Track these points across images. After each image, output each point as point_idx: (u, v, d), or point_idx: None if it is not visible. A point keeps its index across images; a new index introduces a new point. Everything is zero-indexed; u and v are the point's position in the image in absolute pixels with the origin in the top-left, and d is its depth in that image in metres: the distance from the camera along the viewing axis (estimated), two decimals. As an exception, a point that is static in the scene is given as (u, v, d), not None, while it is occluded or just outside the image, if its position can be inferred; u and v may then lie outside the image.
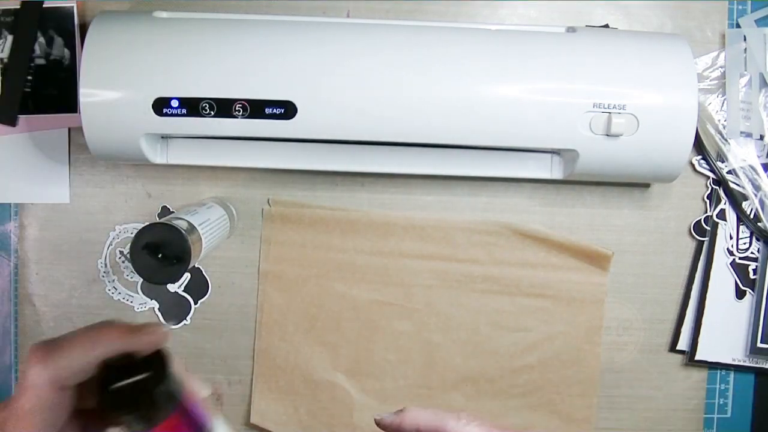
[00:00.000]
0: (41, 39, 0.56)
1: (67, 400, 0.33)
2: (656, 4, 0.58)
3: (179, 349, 0.59)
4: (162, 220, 0.47)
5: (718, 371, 0.60)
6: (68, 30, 0.56)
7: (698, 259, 0.59)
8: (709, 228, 0.58)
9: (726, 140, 0.57)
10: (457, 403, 0.40)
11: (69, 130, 0.58)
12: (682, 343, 0.59)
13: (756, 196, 0.57)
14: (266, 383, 0.59)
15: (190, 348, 0.59)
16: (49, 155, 0.58)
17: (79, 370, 0.33)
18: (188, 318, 0.59)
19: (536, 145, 0.51)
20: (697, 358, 0.59)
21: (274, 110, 0.49)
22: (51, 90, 0.56)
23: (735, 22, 0.58)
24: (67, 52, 0.56)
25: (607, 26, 0.57)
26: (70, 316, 0.59)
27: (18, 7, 0.56)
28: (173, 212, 0.58)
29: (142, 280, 0.58)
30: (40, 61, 0.56)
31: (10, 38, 0.56)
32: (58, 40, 0.56)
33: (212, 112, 0.49)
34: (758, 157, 0.57)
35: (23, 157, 0.57)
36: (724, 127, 0.57)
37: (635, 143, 0.50)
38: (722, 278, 0.58)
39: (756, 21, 0.57)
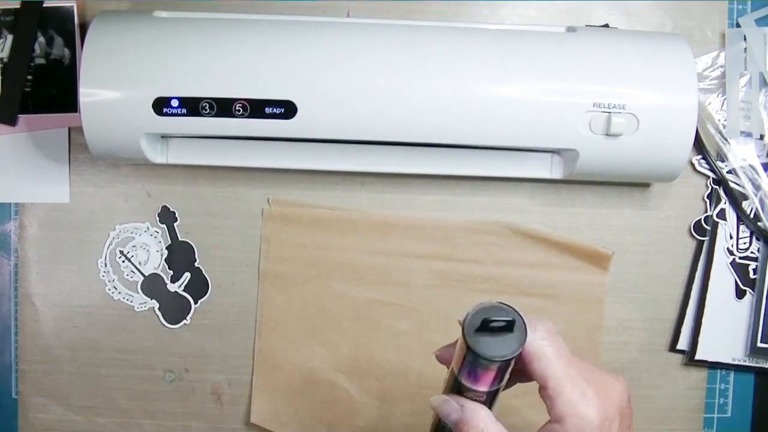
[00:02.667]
0: (41, 39, 0.56)
1: None
2: (656, 4, 0.58)
3: (179, 349, 0.59)
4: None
5: (718, 371, 0.60)
6: (68, 30, 0.56)
7: (698, 259, 0.59)
8: (709, 228, 0.58)
9: (726, 140, 0.57)
10: (504, 416, 0.41)
11: (69, 129, 0.57)
12: (682, 343, 0.59)
13: (756, 195, 0.57)
14: (266, 383, 0.59)
15: (190, 348, 0.59)
16: (49, 155, 0.58)
17: None
18: (188, 318, 0.59)
19: (536, 145, 0.51)
20: (697, 357, 0.59)
21: (274, 110, 0.49)
22: (51, 90, 0.56)
23: (735, 21, 0.58)
24: (67, 51, 0.56)
25: (607, 26, 0.57)
26: (70, 316, 0.59)
27: (18, 6, 0.56)
28: (173, 212, 0.58)
29: (143, 279, 0.58)
30: (40, 61, 0.56)
31: (10, 38, 0.56)
32: (58, 40, 0.56)
33: (212, 112, 0.49)
34: (758, 156, 0.57)
35: (23, 157, 0.57)
36: (724, 127, 0.57)
37: (635, 143, 0.50)
38: (722, 278, 0.58)
39: (756, 21, 0.57)
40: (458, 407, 0.38)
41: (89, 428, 0.60)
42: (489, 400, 0.38)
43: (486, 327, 0.36)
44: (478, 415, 0.37)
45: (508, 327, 0.36)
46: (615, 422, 0.37)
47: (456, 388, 0.39)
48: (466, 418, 0.38)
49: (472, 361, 0.36)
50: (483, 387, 0.37)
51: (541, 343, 0.37)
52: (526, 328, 0.36)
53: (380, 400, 0.58)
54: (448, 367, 0.40)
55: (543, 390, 0.37)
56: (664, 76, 0.50)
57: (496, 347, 0.36)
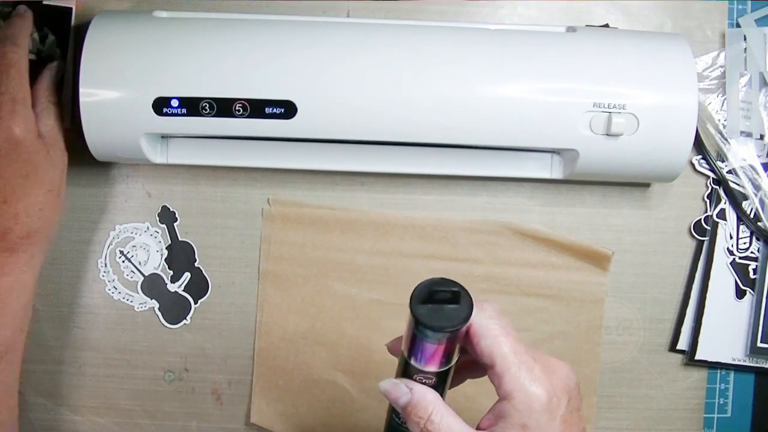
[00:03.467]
0: (35, 35, 0.55)
1: None
2: (656, 4, 0.58)
3: (179, 349, 0.59)
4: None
5: (718, 371, 0.60)
6: (64, 29, 0.55)
7: (698, 259, 0.59)
8: (709, 228, 0.58)
9: (726, 140, 0.57)
10: (458, 403, 0.41)
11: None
12: (682, 343, 0.59)
13: (756, 195, 0.57)
14: (266, 383, 0.59)
15: (190, 348, 0.59)
16: (49, 155, 0.57)
17: None
18: (188, 318, 0.59)
19: (536, 145, 0.51)
20: (697, 357, 0.59)
21: (274, 110, 0.49)
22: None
23: (735, 21, 0.58)
24: (58, 51, 0.55)
25: (607, 26, 0.57)
26: (71, 316, 0.59)
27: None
28: (173, 212, 0.58)
29: (143, 279, 0.58)
30: (31, 57, 0.55)
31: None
32: (51, 38, 0.55)
33: (212, 112, 0.49)
34: (758, 156, 0.57)
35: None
36: (724, 127, 0.57)
37: (635, 143, 0.50)
38: (722, 278, 0.58)
39: (756, 21, 0.57)
40: (407, 390, 0.38)
41: (89, 428, 0.60)
42: (439, 383, 0.38)
43: (432, 299, 0.36)
44: (426, 398, 0.37)
45: (454, 299, 0.36)
46: (563, 400, 0.37)
47: (406, 371, 0.39)
48: (414, 401, 0.37)
49: (419, 335, 0.37)
50: (432, 367, 0.37)
51: (488, 322, 0.37)
52: (471, 300, 0.37)
53: (380, 400, 0.58)
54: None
55: (491, 369, 0.37)
56: (664, 76, 0.50)
57: (442, 318, 0.36)
